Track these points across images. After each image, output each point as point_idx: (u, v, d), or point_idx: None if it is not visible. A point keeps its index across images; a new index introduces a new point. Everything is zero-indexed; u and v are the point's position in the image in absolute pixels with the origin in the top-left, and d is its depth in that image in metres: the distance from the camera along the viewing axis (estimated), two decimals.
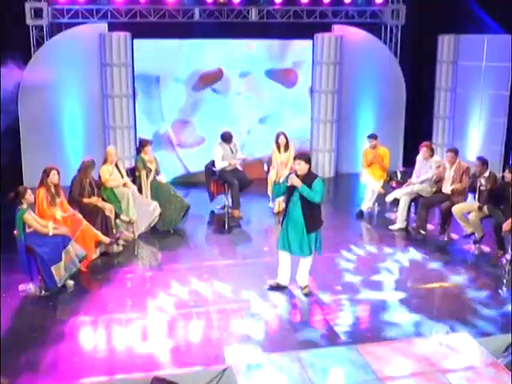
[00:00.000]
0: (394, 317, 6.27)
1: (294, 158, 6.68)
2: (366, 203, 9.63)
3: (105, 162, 8.50)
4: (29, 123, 10.99)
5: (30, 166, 10.69)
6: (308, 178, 6.45)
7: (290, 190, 6.52)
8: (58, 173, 7.37)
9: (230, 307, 6.51)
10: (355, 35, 11.89)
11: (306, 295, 6.76)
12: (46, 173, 7.29)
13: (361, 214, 9.61)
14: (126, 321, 6.24)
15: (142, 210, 8.58)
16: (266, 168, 10.31)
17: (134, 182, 8.89)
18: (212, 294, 6.83)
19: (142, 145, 9.02)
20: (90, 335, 6.00)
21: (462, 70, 11.99)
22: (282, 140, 9.78)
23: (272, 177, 9.86)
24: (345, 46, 11.71)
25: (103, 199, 8.30)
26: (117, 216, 8.17)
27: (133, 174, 8.98)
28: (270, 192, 9.93)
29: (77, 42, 10.94)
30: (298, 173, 6.48)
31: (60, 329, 6.05)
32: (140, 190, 8.81)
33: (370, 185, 9.61)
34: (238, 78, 11.70)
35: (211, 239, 8.94)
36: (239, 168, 9.84)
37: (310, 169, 6.54)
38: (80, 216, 7.48)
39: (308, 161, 6.52)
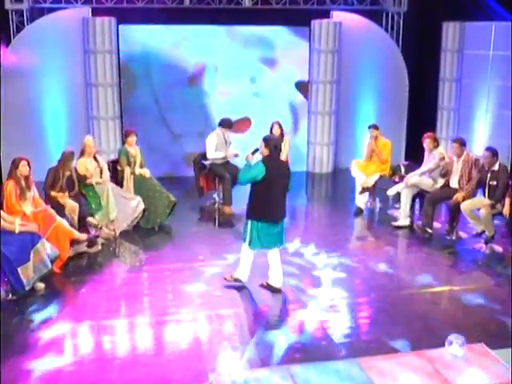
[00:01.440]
0: (401, 325, 5.61)
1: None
2: (358, 198, 9.01)
3: (82, 154, 7.83)
4: (7, 112, 10.25)
5: (9, 159, 9.98)
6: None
7: None
8: (29, 164, 6.71)
9: (215, 313, 5.84)
10: (355, 22, 11.32)
11: (224, 278, 6.43)
12: (15, 164, 6.64)
13: (359, 211, 8.98)
14: (101, 329, 5.56)
15: (123, 206, 7.92)
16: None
17: (116, 175, 8.25)
18: (197, 299, 6.16)
19: (125, 135, 8.38)
20: (59, 346, 5.29)
21: (467, 60, 11.41)
22: (276, 130, 9.13)
23: None
24: (344, 33, 11.14)
25: (82, 194, 7.69)
26: (82, 217, 7.40)
27: (114, 166, 8.32)
28: None
29: (59, 27, 10.35)
30: (259, 152, 6.10)
31: (25, 338, 5.37)
32: (122, 185, 8.15)
33: (358, 178, 9.03)
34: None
35: (199, 238, 8.26)
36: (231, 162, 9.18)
37: (271, 154, 5.97)
38: (52, 211, 6.81)
39: (268, 145, 5.96)
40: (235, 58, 11.01)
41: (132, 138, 8.26)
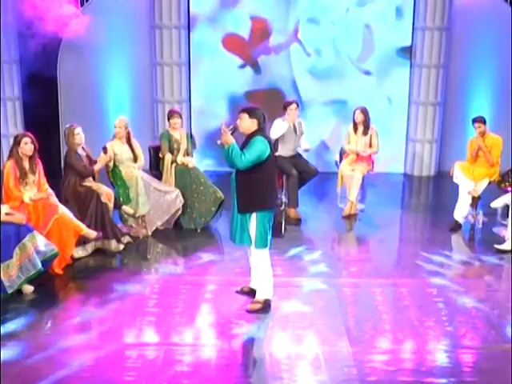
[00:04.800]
0: None
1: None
2: (459, 210, 7.22)
3: (114, 137, 6.78)
4: (68, 90, 9.69)
5: None
6: (250, 139, 4.85)
7: None
8: (33, 142, 5.64)
9: (239, 344, 4.47)
10: None
11: (248, 311, 4.96)
12: (17, 141, 5.61)
13: (457, 226, 7.17)
14: (90, 349, 4.30)
15: (157, 200, 6.71)
16: (337, 157, 8.17)
17: (157, 163, 7.08)
18: (230, 325, 4.76)
19: (168, 117, 7.18)
20: (38, 370, 4.07)
21: None
22: (358, 117, 7.62)
23: (343, 169, 7.65)
24: (456, 6, 9.51)
25: (111, 183, 6.64)
26: (117, 205, 6.41)
27: (156, 153, 7.14)
28: (338, 189, 7.82)
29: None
30: (240, 130, 4.96)
31: None
32: (161, 176, 7.00)
33: (462, 185, 7.27)
34: None
35: None
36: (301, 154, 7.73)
37: (259, 129, 4.87)
38: (55, 200, 5.71)
39: (255, 115, 4.85)
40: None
41: (175, 120, 7.03)
